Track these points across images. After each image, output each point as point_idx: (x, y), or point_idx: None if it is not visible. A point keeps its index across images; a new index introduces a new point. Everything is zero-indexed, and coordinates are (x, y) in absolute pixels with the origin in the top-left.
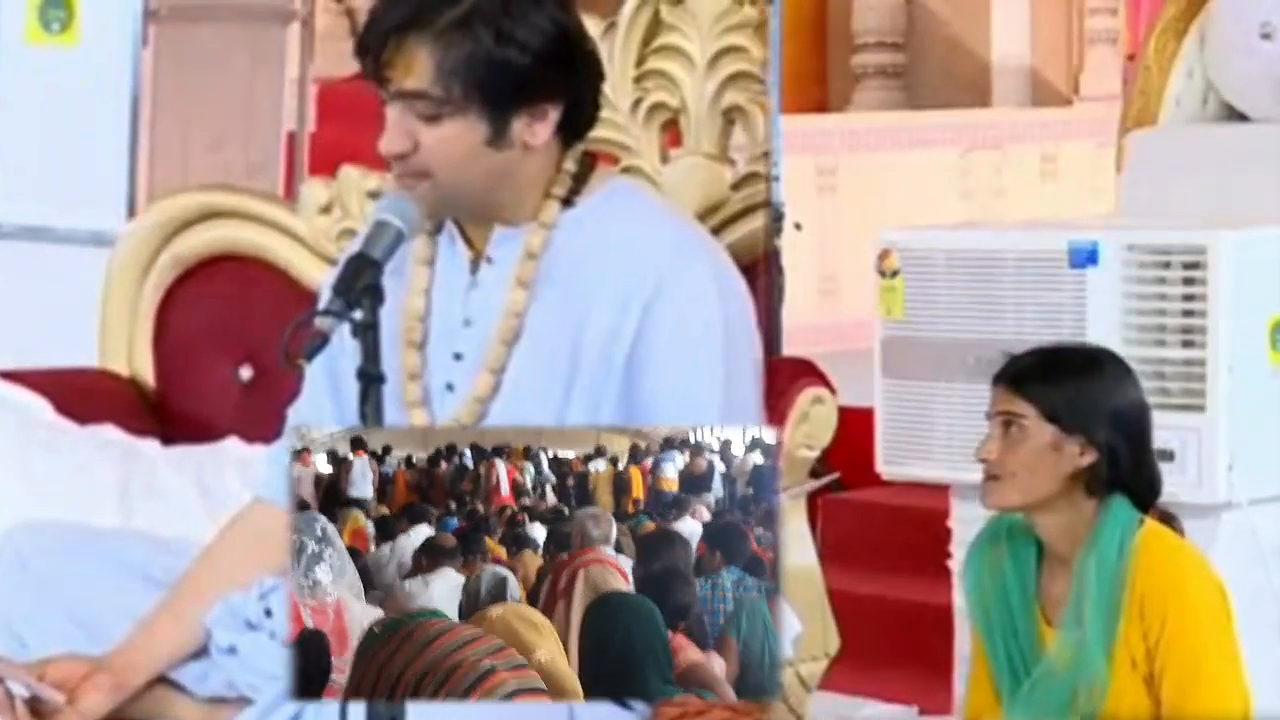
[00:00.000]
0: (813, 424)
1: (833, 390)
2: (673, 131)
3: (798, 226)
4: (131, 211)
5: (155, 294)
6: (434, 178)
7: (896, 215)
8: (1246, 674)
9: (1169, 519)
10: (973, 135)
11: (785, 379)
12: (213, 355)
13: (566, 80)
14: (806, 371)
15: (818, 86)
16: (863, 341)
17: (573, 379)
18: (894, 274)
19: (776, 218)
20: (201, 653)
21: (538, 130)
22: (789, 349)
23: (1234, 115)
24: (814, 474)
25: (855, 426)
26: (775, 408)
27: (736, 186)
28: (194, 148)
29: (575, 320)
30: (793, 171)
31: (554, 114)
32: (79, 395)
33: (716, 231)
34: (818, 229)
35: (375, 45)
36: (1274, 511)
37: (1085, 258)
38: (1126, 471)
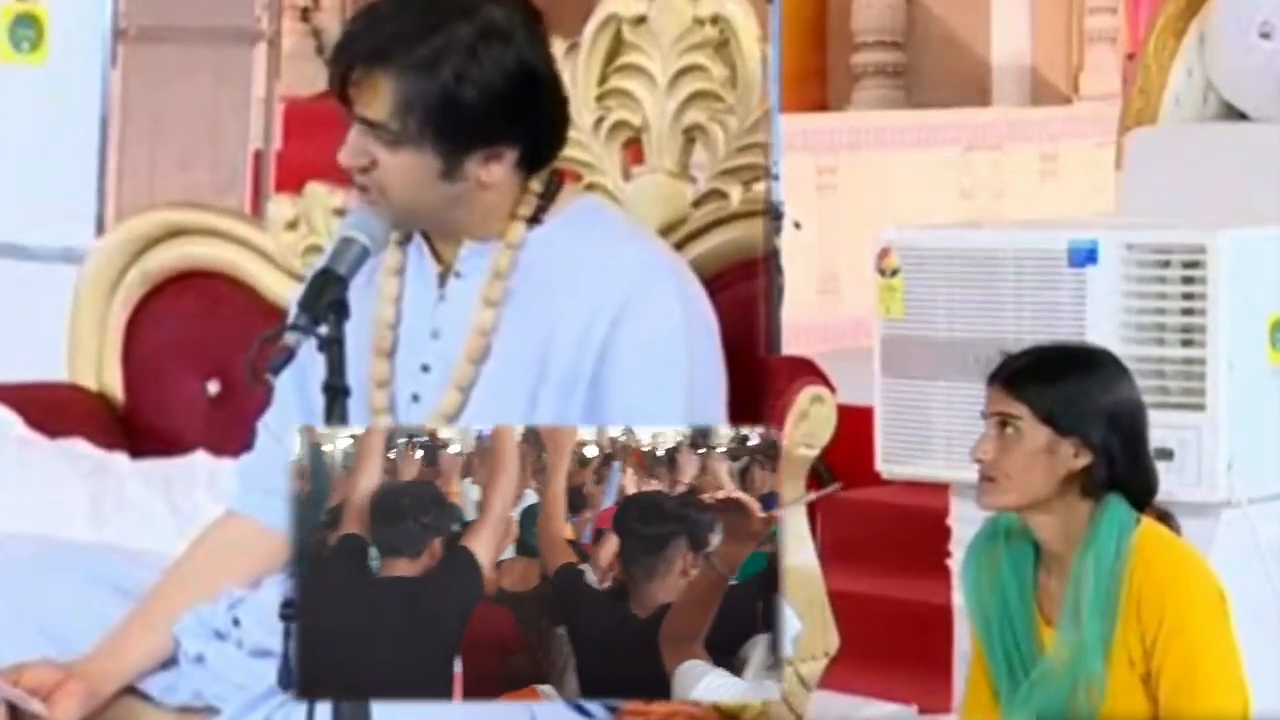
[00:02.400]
0: (812, 423)
1: (832, 389)
2: (634, 149)
3: (797, 226)
4: (100, 228)
5: (124, 309)
6: (390, 198)
7: (896, 214)
8: (1244, 673)
9: (1165, 517)
10: (972, 134)
11: (785, 378)
12: (181, 370)
13: (525, 125)
14: (806, 370)
15: (818, 86)
16: (862, 340)
17: (538, 395)
18: (894, 273)
19: (776, 217)
20: (170, 663)
21: (493, 170)
22: (789, 348)
23: (1234, 114)
24: (814, 472)
25: (855, 425)
26: (775, 407)
27: (697, 203)
28: (162, 166)
29: (542, 336)
30: (793, 171)
31: (510, 156)
32: (49, 409)
33: (678, 248)
34: (818, 228)
35: (343, 68)
36: (1274, 510)
37: (1085, 257)
38: (1122, 472)
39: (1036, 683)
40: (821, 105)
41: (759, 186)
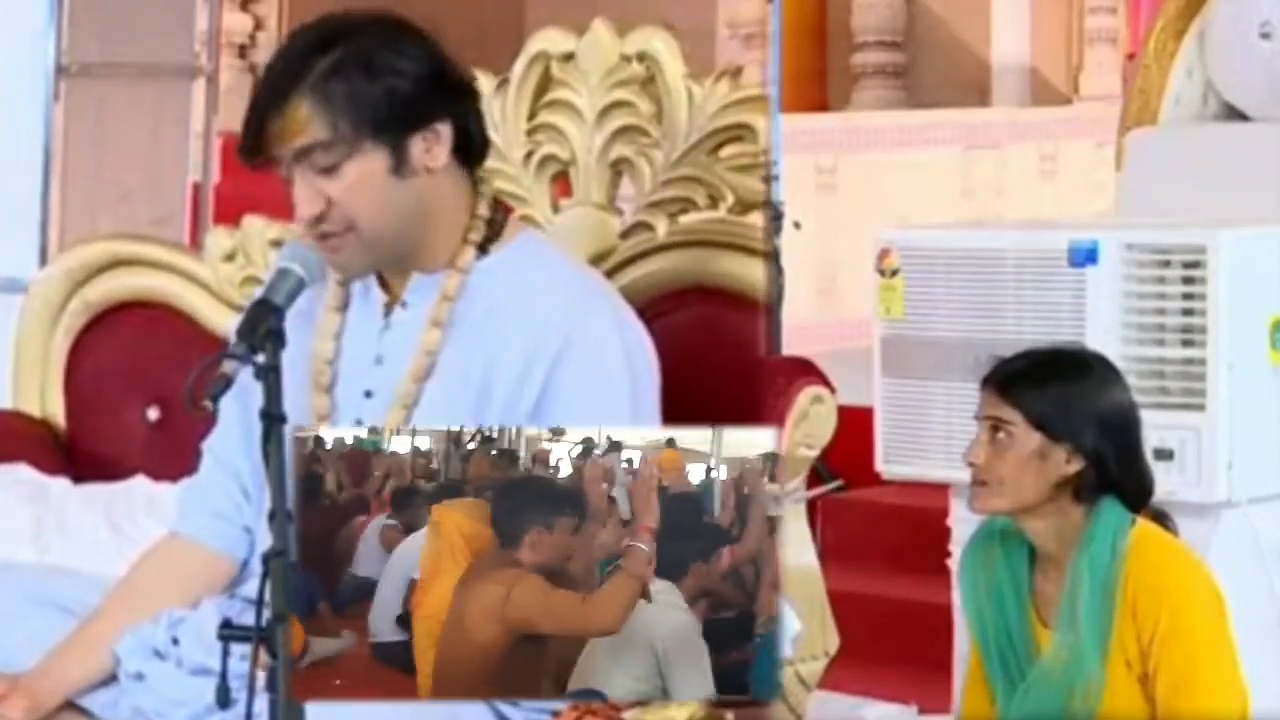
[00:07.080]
0: (812, 423)
1: (832, 389)
2: (563, 182)
3: (797, 226)
4: (43, 259)
5: (66, 338)
6: (357, 228)
7: (896, 214)
8: (1242, 672)
9: (1162, 518)
10: (972, 134)
11: (785, 378)
12: (121, 397)
13: (449, 99)
14: (806, 371)
15: (818, 86)
16: (862, 340)
17: (480, 419)
18: (893, 273)
19: (776, 216)
20: (111, 680)
21: (436, 152)
22: (789, 348)
23: (1234, 114)
24: (814, 472)
25: (855, 426)
26: (775, 407)
27: (625, 235)
28: (104, 198)
29: (484, 365)
30: (793, 171)
31: (446, 133)
32: None
33: (606, 278)
34: (817, 228)
35: (259, 122)
36: (1273, 511)
37: (1085, 257)
38: (1116, 477)
39: (1034, 685)
40: (821, 105)
41: (685, 219)
